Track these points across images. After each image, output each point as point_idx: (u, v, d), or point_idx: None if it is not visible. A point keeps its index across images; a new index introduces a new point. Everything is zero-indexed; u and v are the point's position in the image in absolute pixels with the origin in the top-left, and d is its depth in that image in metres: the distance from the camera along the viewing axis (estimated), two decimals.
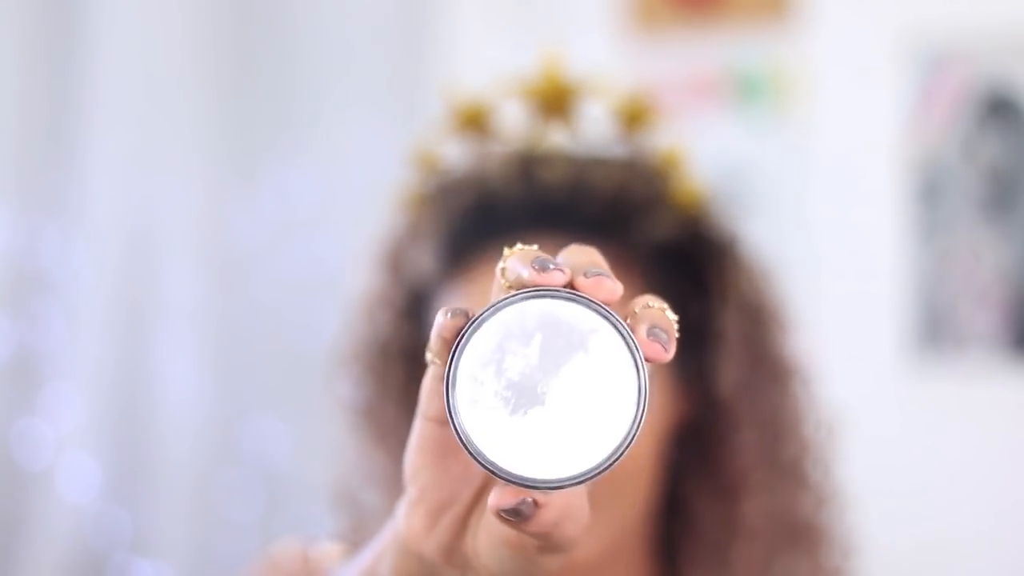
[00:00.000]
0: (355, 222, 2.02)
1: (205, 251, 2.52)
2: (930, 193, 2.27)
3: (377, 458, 1.03)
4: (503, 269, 0.63)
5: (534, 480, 0.62)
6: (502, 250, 0.91)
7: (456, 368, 0.62)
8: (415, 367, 1.01)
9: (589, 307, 0.63)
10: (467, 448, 0.61)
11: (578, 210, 0.94)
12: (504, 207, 0.94)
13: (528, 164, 0.95)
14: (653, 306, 0.64)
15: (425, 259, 0.97)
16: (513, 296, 0.63)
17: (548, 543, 0.62)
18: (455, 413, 0.61)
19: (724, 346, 0.99)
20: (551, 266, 0.61)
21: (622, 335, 0.63)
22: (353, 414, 1.04)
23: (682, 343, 0.98)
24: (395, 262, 1.01)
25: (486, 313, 0.63)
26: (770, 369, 1.00)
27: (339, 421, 1.06)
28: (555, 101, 0.97)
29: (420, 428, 0.67)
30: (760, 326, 1.00)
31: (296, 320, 2.52)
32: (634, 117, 0.99)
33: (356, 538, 1.04)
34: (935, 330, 2.27)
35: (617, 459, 0.64)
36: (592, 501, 0.93)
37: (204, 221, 2.52)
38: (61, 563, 2.42)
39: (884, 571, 1.71)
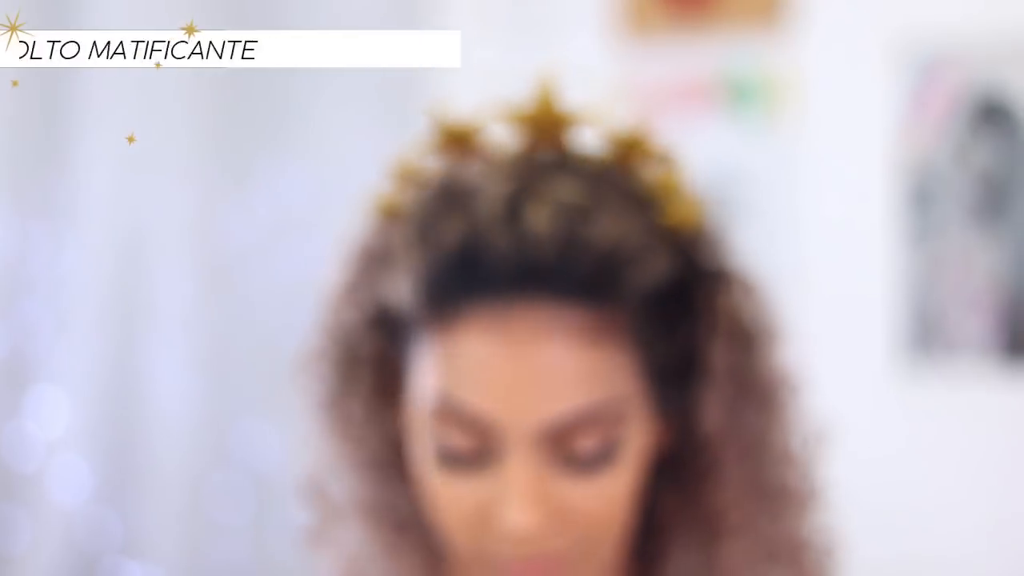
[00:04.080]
0: (348, 225, 2.02)
1: (197, 254, 2.52)
2: (921, 198, 2.27)
3: (344, 451, 1.03)
4: None
5: None
6: (486, 305, 0.90)
7: None
8: (383, 374, 1.01)
9: None
10: None
11: (568, 269, 0.92)
12: (490, 259, 0.92)
13: (518, 210, 0.93)
14: None
15: (403, 289, 0.95)
16: None
17: None
18: None
19: (710, 379, 0.98)
20: None
21: None
22: (319, 408, 1.04)
23: (668, 374, 0.97)
24: (370, 275, 0.99)
25: None
26: (757, 398, 0.99)
27: (307, 413, 1.05)
28: (548, 130, 0.95)
29: None
30: (749, 354, 0.99)
31: (287, 324, 2.51)
32: (630, 147, 0.97)
33: (323, 530, 1.04)
34: (926, 335, 2.27)
35: None
36: (572, 551, 0.93)
37: (196, 224, 2.52)
38: (51, 566, 2.42)
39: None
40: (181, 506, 2.50)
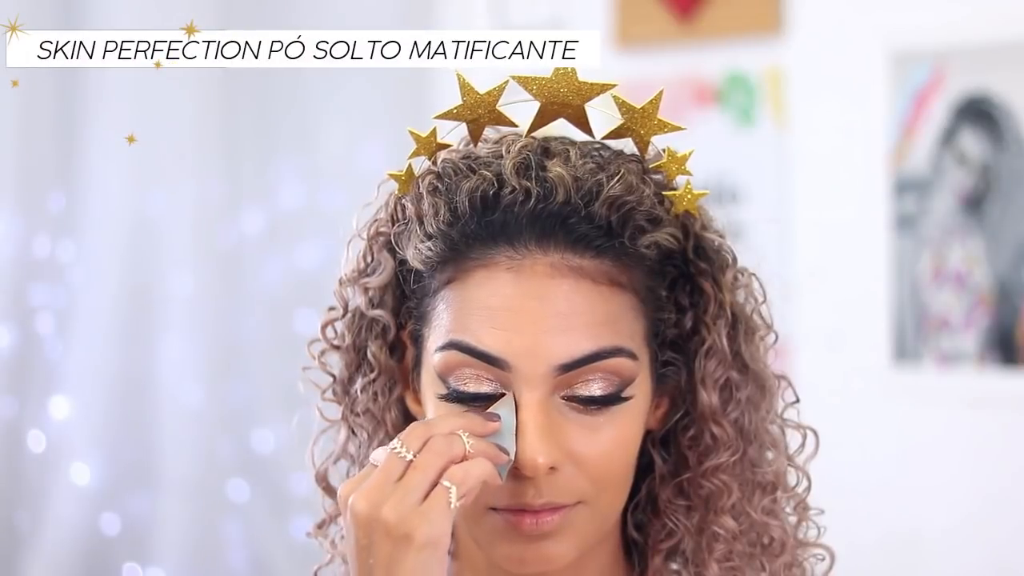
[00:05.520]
0: (357, 216, 2.03)
1: (206, 255, 2.53)
2: (916, 203, 2.28)
3: (359, 437, 1.05)
4: None
5: None
6: (503, 252, 0.93)
7: None
8: (395, 356, 1.04)
9: None
10: None
11: (583, 215, 0.95)
12: (508, 205, 0.95)
13: (536, 163, 0.96)
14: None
15: (423, 245, 0.97)
16: None
17: None
18: None
19: (709, 357, 1.00)
20: None
21: None
22: (332, 396, 1.06)
23: (669, 349, 1.00)
24: (390, 242, 1.02)
25: None
26: (750, 382, 1.01)
27: (320, 403, 1.07)
28: (566, 99, 0.97)
29: None
30: (745, 339, 1.01)
31: (297, 323, 2.52)
32: (643, 116, 0.98)
33: (334, 520, 1.07)
34: (920, 340, 2.28)
35: None
36: (574, 512, 0.95)
37: (205, 225, 2.54)
38: (60, 565, 2.43)
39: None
40: (190, 506, 2.51)
